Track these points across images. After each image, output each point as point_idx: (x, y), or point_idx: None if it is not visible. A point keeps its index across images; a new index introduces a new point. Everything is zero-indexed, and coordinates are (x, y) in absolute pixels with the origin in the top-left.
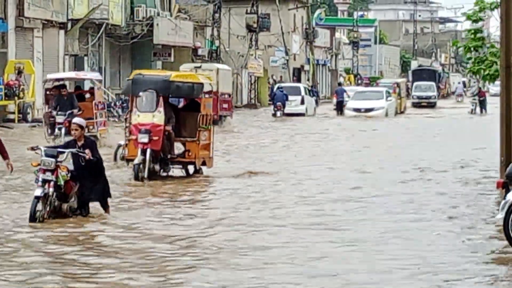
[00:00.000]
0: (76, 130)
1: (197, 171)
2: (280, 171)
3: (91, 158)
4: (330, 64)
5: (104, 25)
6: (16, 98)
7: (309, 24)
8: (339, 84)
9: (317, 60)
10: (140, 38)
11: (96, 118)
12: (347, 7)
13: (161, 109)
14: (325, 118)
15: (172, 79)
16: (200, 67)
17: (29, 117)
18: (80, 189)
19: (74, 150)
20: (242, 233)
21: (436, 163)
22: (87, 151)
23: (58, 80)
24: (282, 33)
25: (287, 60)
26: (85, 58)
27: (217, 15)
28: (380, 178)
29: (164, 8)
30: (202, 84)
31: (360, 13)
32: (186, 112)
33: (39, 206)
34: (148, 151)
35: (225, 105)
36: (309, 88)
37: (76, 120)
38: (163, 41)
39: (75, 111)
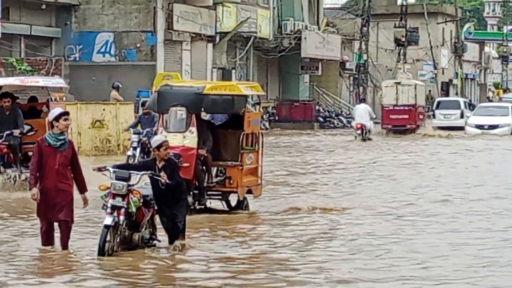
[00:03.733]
0: (165, 150)
1: (241, 203)
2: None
3: (168, 182)
4: (478, 78)
5: (252, 39)
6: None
7: (458, 38)
8: (488, 98)
9: (466, 74)
10: (287, 51)
11: None
12: (497, 21)
13: (194, 128)
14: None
15: (207, 91)
16: (399, 82)
17: None
18: (162, 214)
19: (148, 172)
20: None
21: None
22: (162, 173)
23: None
24: (431, 47)
25: (435, 74)
26: (233, 71)
27: (365, 28)
28: None
29: (313, 21)
30: (245, 96)
31: (510, 27)
32: (227, 131)
33: (109, 237)
34: None
35: (421, 116)
36: (468, 102)
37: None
38: (310, 54)
39: (16, 132)
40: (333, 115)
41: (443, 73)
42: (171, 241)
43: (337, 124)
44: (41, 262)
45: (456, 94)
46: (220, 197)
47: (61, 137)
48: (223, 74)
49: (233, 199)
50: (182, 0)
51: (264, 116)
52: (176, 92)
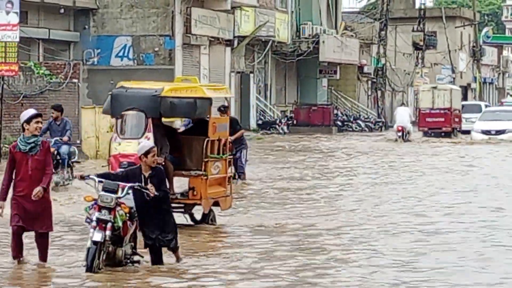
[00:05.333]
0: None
1: (206, 217)
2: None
3: (156, 194)
4: (497, 82)
5: (270, 43)
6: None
7: (476, 42)
8: (501, 102)
9: (484, 78)
10: (306, 55)
11: None
12: None
13: (150, 134)
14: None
15: (165, 94)
16: (436, 87)
17: None
18: (144, 232)
19: (136, 185)
20: None
21: None
22: (150, 185)
23: None
24: (449, 51)
25: (454, 78)
26: (251, 75)
27: (383, 32)
28: None
29: (331, 25)
30: (209, 99)
31: None
32: (192, 137)
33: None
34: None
35: (457, 119)
36: (489, 106)
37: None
38: (329, 58)
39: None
40: (351, 119)
41: (461, 77)
42: (156, 261)
43: (356, 128)
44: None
45: (475, 98)
46: (183, 210)
47: (31, 140)
48: (241, 78)
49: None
50: (200, 4)
51: (282, 120)
52: (132, 95)
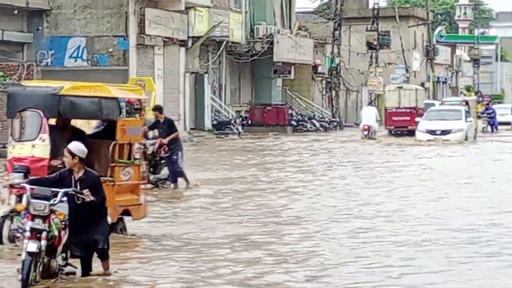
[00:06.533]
0: (66, 157)
1: (115, 226)
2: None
3: (92, 199)
4: (450, 81)
5: (224, 43)
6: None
7: (429, 41)
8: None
9: (438, 78)
10: (260, 55)
11: None
12: (468, 24)
13: (45, 135)
14: None
15: (65, 92)
16: (402, 87)
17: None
18: (75, 239)
19: (70, 190)
20: None
21: None
22: (86, 191)
23: None
24: (403, 50)
25: (408, 78)
26: (206, 75)
27: (337, 32)
28: None
29: (284, 25)
30: (115, 99)
31: (481, 30)
32: (101, 140)
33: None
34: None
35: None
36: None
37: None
38: (283, 58)
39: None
40: (306, 119)
41: (415, 76)
42: (86, 272)
43: (310, 127)
44: None
45: (428, 97)
46: None
47: None
48: (196, 79)
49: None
50: (154, 4)
51: (237, 120)
52: (29, 94)
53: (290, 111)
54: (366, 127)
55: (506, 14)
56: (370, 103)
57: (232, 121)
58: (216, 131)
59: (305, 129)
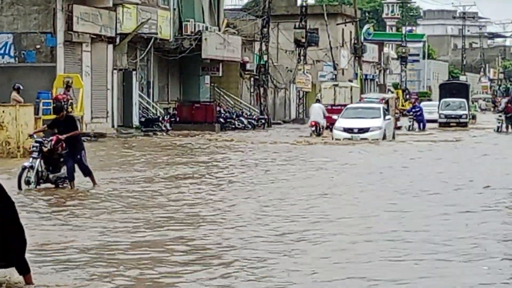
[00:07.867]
0: None
1: None
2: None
3: None
4: (378, 79)
5: (152, 40)
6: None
7: (357, 39)
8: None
9: (365, 75)
10: (188, 52)
11: None
12: (396, 22)
13: None
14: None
15: None
16: (337, 85)
17: None
18: None
19: None
20: None
21: None
22: None
23: None
24: (331, 48)
25: (335, 75)
26: (134, 72)
27: (265, 30)
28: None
29: (213, 22)
30: None
31: (408, 28)
32: None
33: None
34: None
35: None
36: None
37: None
38: (211, 55)
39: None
40: (234, 116)
41: (343, 74)
42: None
43: (238, 125)
44: None
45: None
46: None
47: None
48: (124, 76)
49: None
50: (82, 1)
51: (165, 118)
52: None
53: (218, 109)
54: (313, 123)
55: (433, 12)
56: (317, 100)
57: (160, 118)
58: (144, 128)
59: (233, 126)
